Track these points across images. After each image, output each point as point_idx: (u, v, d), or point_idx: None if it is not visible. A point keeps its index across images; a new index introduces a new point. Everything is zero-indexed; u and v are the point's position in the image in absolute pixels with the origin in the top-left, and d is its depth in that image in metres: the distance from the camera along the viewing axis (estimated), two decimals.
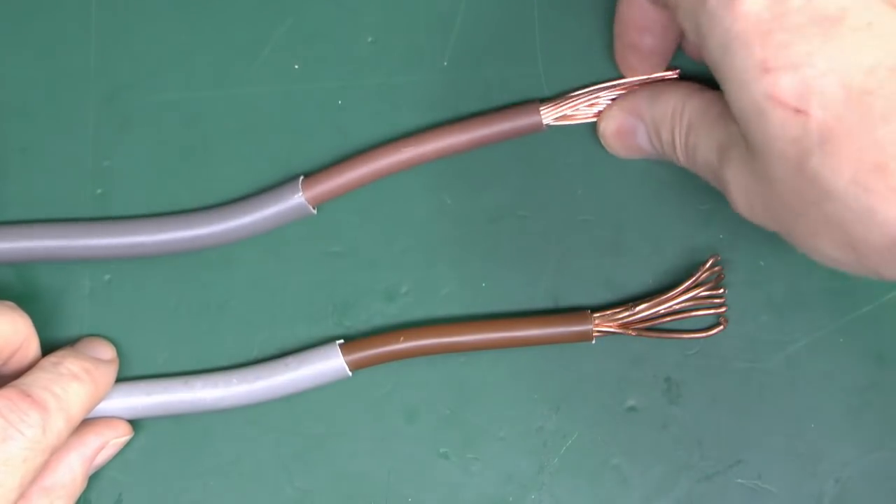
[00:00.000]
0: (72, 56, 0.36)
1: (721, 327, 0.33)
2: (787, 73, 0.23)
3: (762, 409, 0.33)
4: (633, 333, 0.32)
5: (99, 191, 0.35)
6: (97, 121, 0.35)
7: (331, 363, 0.33)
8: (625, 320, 0.32)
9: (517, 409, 0.34)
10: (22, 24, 0.36)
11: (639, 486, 0.33)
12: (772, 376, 0.33)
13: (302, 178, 0.33)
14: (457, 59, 0.35)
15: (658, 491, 0.33)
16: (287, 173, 0.35)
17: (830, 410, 0.33)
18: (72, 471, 0.32)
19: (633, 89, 0.32)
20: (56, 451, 0.31)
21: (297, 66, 0.35)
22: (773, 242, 0.33)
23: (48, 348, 0.33)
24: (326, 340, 0.34)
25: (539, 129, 0.33)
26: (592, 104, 0.33)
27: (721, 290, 0.33)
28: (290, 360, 0.33)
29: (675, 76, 0.32)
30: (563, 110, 0.32)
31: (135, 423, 0.34)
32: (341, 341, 0.33)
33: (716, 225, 0.33)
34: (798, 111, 0.23)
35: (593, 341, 0.33)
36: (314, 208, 0.34)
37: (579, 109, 0.33)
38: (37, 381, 0.31)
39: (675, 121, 0.30)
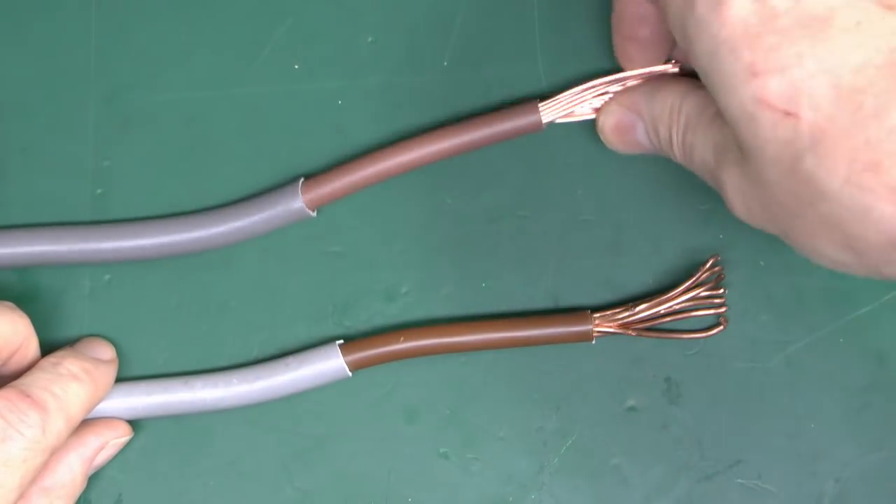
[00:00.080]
0: (72, 56, 0.36)
1: (721, 327, 0.33)
2: (775, 75, 0.23)
3: (762, 409, 0.33)
4: (633, 333, 0.32)
5: (99, 191, 0.35)
6: (97, 121, 0.35)
7: (331, 363, 0.33)
8: (625, 320, 0.32)
9: (517, 409, 0.34)
10: (22, 24, 0.36)
11: (639, 486, 0.33)
12: (772, 376, 0.33)
13: (302, 180, 0.33)
14: (457, 59, 0.34)
15: (658, 491, 0.33)
16: (287, 173, 0.35)
17: (830, 410, 0.33)
18: (71, 471, 0.32)
19: (632, 84, 0.32)
20: (56, 452, 0.31)
21: (297, 66, 0.35)
22: (773, 242, 0.33)
23: (48, 348, 0.33)
24: (326, 340, 0.34)
25: (539, 128, 0.33)
26: (592, 99, 0.32)
27: (721, 290, 0.33)
28: (290, 360, 0.33)
29: (675, 69, 0.31)
30: (561, 107, 0.32)
31: (135, 423, 0.34)
32: (341, 341, 0.33)
33: (716, 225, 0.33)
34: (788, 114, 0.23)
35: (593, 341, 0.33)
36: (314, 211, 0.34)
37: (578, 106, 0.32)
38: (36, 382, 0.31)
39: (673, 118, 0.29)
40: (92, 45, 0.36)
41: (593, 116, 0.33)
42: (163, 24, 0.36)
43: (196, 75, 0.35)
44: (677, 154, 0.30)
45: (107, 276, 0.35)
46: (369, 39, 0.35)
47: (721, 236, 0.33)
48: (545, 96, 0.33)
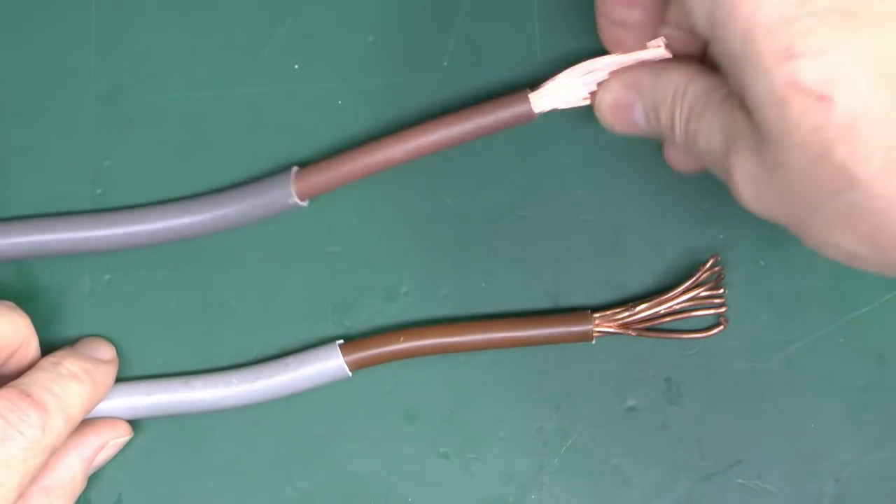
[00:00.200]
0: (72, 56, 0.36)
1: (721, 327, 0.33)
2: (811, 59, 0.22)
3: (762, 409, 0.33)
4: (633, 333, 0.32)
5: (99, 191, 0.35)
6: (97, 121, 0.35)
7: (331, 363, 0.33)
8: (625, 320, 0.32)
9: (517, 409, 0.34)
10: (22, 24, 0.36)
11: (639, 486, 0.33)
12: (772, 376, 0.33)
13: (295, 168, 0.33)
14: (457, 59, 0.35)
15: (658, 491, 0.33)
16: None
17: (830, 410, 0.33)
18: (71, 471, 0.32)
19: (630, 64, 0.31)
20: (56, 451, 0.31)
21: (297, 66, 0.35)
22: (773, 242, 0.33)
23: (48, 348, 0.33)
24: (326, 340, 0.34)
25: (531, 118, 0.32)
26: (583, 85, 0.31)
27: (721, 290, 0.33)
28: (290, 360, 0.33)
29: (663, 49, 0.30)
30: (552, 94, 0.31)
31: (135, 423, 0.34)
32: (341, 341, 0.33)
33: (716, 225, 0.33)
34: (821, 98, 0.22)
35: (593, 341, 0.33)
36: (305, 201, 0.33)
37: (570, 94, 0.32)
38: (36, 381, 0.31)
39: (676, 102, 0.29)
40: (92, 45, 0.36)
41: (586, 103, 0.32)
42: (163, 24, 0.36)
43: (196, 75, 0.35)
44: (678, 139, 0.29)
45: (107, 276, 0.35)
46: (369, 39, 0.35)
47: (721, 236, 0.33)
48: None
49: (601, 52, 0.34)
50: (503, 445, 0.33)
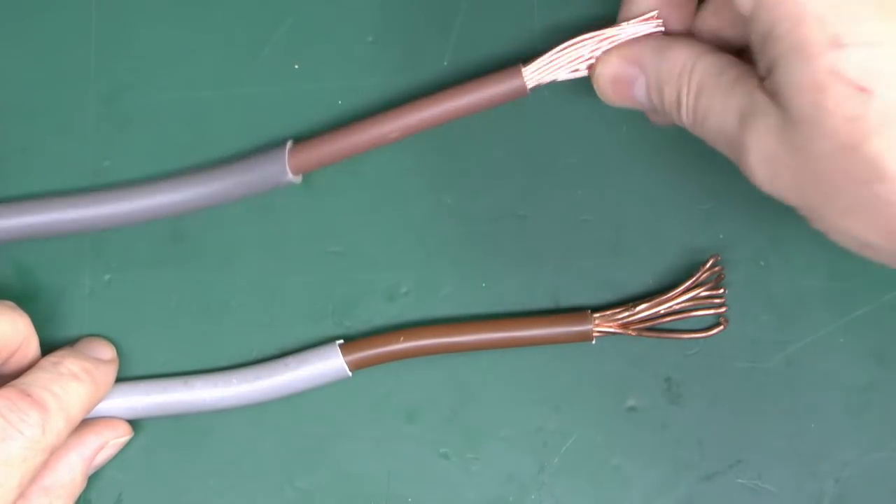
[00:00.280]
0: (72, 56, 0.36)
1: (721, 327, 0.33)
2: (857, 50, 0.22)
3: (762, 409, 0.33)
4: (633, 333, 0.32)
5: None
6: (97, 121, 0.35)
7: (331, 363, 0.33)
8: (625, 320, 0.32)
9: (517, 409, 0.34)
10: (22, 24, 0.36)
11: (639, 486, 0.33)
12: (772, 376, 0.33)
13: (290, 142, 0.33)
14: (457, 59, 0.35)
15: (658, 491, 0.33)
16: None
17: (830, 410, 0.33)
18: (71, 470, 0.32)
19: (626, 38, 0.30)
20: (56, 451, 0.31)
21: (297, 66, 0.35)
22: (773, 242, 0.33)
23: (48, 348, 0.33)
24: (326, 340, 0.34)
25: (524, 93, 0.32)
26: (576, 59, 0.31)
27: (721, 290, 0.33)
28: (290, 360, 0.33)
29: (654, 23, 0.30)
30: (545, 67, 0.31)
31: (135, 423, 0.34)
32: (341, 341, 0.33)
33: (716, 225, 0.33)
34: (862, 89, 0.22)
35: (593, 341, 0.33)
36: (299, 176, 0.33)
37: (563, 65, 0.31)
38: (36, 381, 0.31)
39: (683, 80, 0.28)
40: (92, 45, 0.36)
41: (578, 76, 0.31)
42: (163, 24, 0.36)
43: (196, 75, 0.35)
44: (683, 117, 0.28)
45: (107, 276, 0.35)
46: (369, 39, 0.35)
47: (721, 236, 0.33)
48: (544, 96, 0.33)
49: None
50: (503, 445, 0.33)
